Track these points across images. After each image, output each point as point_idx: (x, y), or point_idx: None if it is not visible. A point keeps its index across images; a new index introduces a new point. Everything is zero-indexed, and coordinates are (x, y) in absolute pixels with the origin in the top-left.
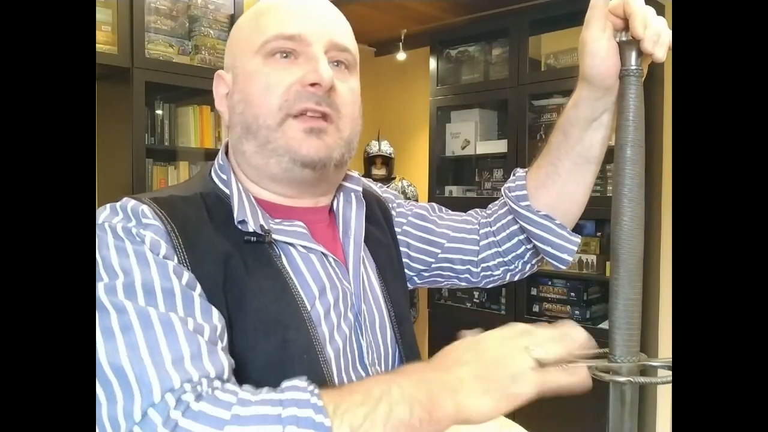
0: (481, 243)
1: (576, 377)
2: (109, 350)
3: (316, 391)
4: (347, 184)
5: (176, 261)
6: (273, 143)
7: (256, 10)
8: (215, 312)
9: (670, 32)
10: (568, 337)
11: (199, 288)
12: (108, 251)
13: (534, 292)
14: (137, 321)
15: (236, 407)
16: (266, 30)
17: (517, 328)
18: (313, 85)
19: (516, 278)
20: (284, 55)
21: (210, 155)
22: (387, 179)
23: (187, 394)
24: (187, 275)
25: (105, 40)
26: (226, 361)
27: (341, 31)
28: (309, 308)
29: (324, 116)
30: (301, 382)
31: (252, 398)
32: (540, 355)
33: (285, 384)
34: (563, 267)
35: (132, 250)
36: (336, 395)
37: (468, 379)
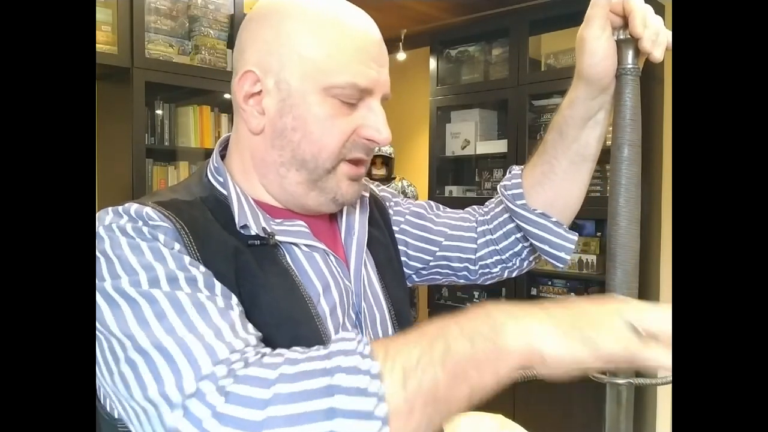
0: (479, 241)
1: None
2: (149, 335)
3: (365, 339)
4: None
5: (189, 258)
6: (323, 182)
7: (319, 21)
8: (234, 297)
9: (668, 32)
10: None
11: (215, 280)
12: (122, 250)
13: (534, 292)
14: (170, 307)
15: (283, 366)
16: (338, 71)
17: (618, 299)
18: (368, 139)
19: (514, 275)
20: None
21: (210, 155)
22: (387, 179)
23: (235, 364)
24: (203, 268)
25: (105, 40)
26: (258, 332)
27: (388, 74)
28: (315, 305)
29: (362, 162)
30: (348, 333)
31: (300, 356)
32: (636, 320)
33: (335, 337)
34: (562, 266)
35: (147, 247)
36: (389, 341)
37: (540, 316)
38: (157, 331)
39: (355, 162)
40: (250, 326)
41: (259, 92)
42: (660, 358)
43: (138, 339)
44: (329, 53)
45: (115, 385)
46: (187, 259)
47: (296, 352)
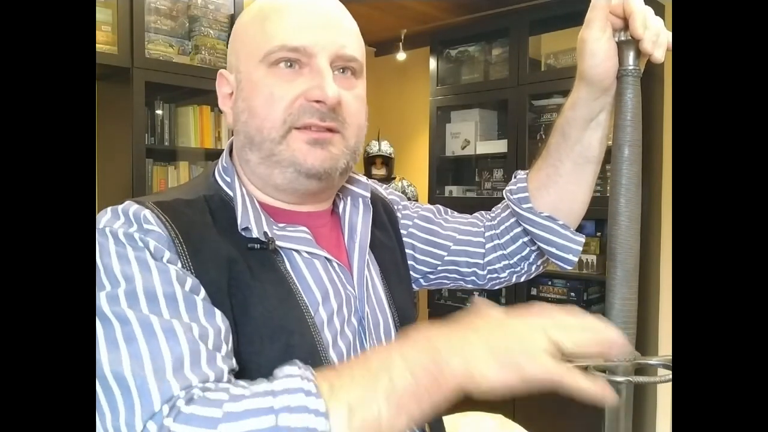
0: (487, 246)
1: (599, 387)
2: (113, 361)
3: (310, 375)
4: (355, 189)
5: (180, 266)
6: (277, 155)
7: (261, 11)
8: (218, 314)
9: (668, 33)
10: (602, 334)
11: (203, 292)
12: (110, 258)
13: (534, 292)
14: (140, 331)
15: (228, 404)
16: (271, 39)
17: (543, 308)
18: (317, 101)
19: (522, 279)
20: (288, 64)
21: (210, 155)
22: (387, 179)
23: (179, 400)
24: (190, 281)
25: (105, 40)
26: (225, 366)
27: (348, 39)
28: (313, 314)
29: (329, 129)
30: (292, 368)
31: (245, 392)
32: (561, 339)
33: (279, 372)
34: (569, 268)
35: (134, 256)
36: (333, 375)
37: (476, 343)
38: (123, 357)
39: (308, 128)
40: (217, 359)
41: (232, 92)
42: (580, 384)
43: (103, 364)
44: (264, 28)
45: None
46: (173, 271)
47: (240, 387)
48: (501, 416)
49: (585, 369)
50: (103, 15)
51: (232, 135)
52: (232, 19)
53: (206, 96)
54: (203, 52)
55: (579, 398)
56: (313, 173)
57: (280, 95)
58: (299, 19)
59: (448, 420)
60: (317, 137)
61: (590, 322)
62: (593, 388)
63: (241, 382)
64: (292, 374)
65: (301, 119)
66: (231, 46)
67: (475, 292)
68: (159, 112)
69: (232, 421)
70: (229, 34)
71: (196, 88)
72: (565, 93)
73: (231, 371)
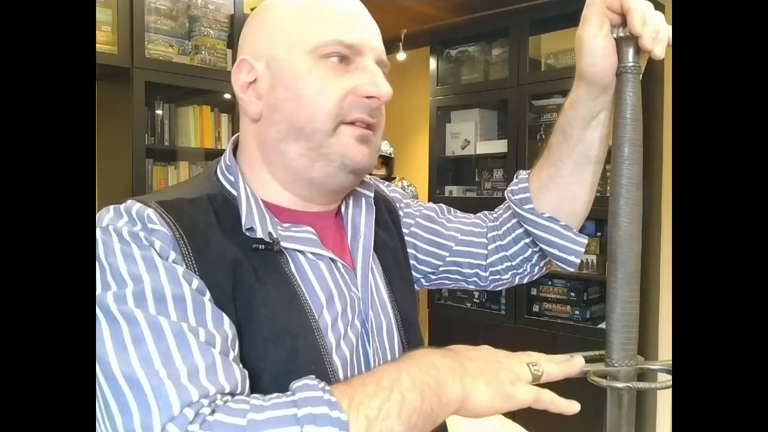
0: (489, 247)
1: (570, 405)
2: (122, 362)
3: (328, 387)
4: (359, 189)
5: (184, 268)
6: (326, 148)
7: (303, 2)
8: (226, 319)
9: (669, 28)
10: (568, 362)
11: (208, 294)
12: (115, 258)
13: (534, 292)
14: (149, 332)
15: (251, 413)
16: (323, 31)
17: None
18: (369, 97)
19: (525, 281)
20: (339, 59)
21: (210, 155)
22: (387, 179)
23: (204, 408)
24: (196, 281)
25: (105, 40)
26: (239, 374)
27: (382, 44)
28: (317, 317)
29: (370, 126)
30: (311, 380)
31: (264, 403)
32: (538, 369)
33: (295, 384)
34: (571, 269)
35: (140, 255)
36: (348, 389)
37: (471, 370)
38: (132, 359)
39: (357, 123)
40: (232, 367)
41: (255, 80)
42: (553, 401)
43: (111, 364)
44: (313, 19)
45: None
46: (180, 270)
47: (259, 399)
48: (501, 416)
49: (585, 375)
50: (103, 15)
51: (236, 132)
52: (232, 19)
53: (206, 96)
54: (203, 52)
55: (552, 410)
56: (357, 169)
57: (332, 87)
58: (351, 17)
59: (448, 420)
60: (364, 134)
61: (556, 357)
62: (562, 402)
63: (256, 395)
64: (310, 386)
65: (351, 114)
66: (261, 33)
67: (474, 293)
68: (159, 112)
69: (256, 429)
70: (229, 34)
71: (196, 88)
72: (566, 93)
73: (245, 380)
